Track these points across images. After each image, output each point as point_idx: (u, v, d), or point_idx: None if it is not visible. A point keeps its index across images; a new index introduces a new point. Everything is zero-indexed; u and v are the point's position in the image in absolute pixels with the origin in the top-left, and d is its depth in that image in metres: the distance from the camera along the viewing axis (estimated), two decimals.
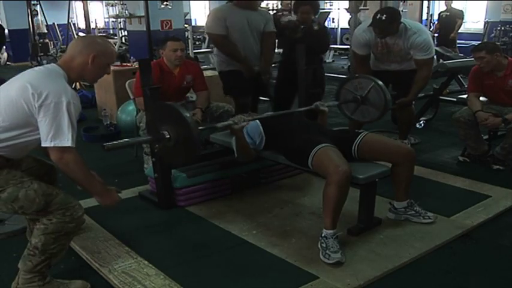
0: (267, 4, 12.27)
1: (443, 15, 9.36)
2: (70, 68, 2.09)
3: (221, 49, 3.85)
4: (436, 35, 9.80)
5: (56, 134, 1.92)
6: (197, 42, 12.39)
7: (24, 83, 1.95)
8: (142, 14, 7.53)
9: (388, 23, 3.62)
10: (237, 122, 2.67)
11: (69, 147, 1.95)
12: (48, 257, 2.08)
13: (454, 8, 9.40)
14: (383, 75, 3.78)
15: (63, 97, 1.92)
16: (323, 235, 2.42)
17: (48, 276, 2.16)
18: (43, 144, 1.95)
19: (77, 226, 2.12)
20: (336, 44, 13.35)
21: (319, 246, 2.42)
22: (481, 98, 3.86)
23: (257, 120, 2.93)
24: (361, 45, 3.93)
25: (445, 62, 5.80)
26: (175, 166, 3.03)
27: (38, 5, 9.73)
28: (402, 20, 3.74)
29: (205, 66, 7.91)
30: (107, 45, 2.23)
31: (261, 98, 4.32)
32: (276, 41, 4.16)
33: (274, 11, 6.42)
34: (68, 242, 2.16)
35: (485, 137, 3.97)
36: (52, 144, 1.93)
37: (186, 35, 8.08)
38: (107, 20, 15.37)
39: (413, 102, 4.15)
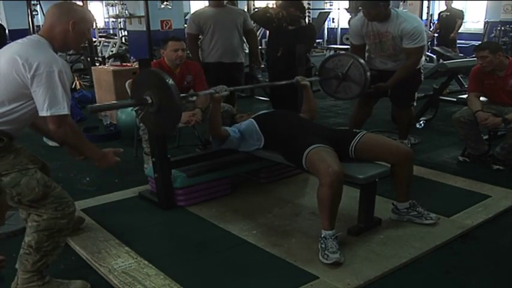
0: (267, 4, 12.25)
1: (444, 15, 9.36)
2: (52, 38, 2.05)
3: (188, 44, 4.45)
4: (436, 35, 9.81)
5: (52, 103, 1.91)
6: None
7: (12, 55, 1.93)
8: (142, 14, 7.55)
9: (373, 4, 3.62)
10: (218, 91, 2.76)
11: (65, 115, 1.96)
12: (43, 255, 2.08)
13: (454, 8, 9.40)
14: (380, 76, 3.78)
15: (54, 66, 1.91)
16: (322, 236, 2.42)
17: (48, 276, 2.16)
18: (40, 114, 1.94)
19: (68, 222, 2.11)
20: (336, 44, 13.37)
21: (319, 247, 2.42)
22: (481, 98, 3.86)
23: (253, 120, 2.94)
24: (354, 33, 3.94)
25: (445, 62, 5.80)
26: (160, 133, 2.95)
27: (38, 5, 9.73)
28: (395, 9, 3.75)
29: None
30: (84, 10, 2.20)
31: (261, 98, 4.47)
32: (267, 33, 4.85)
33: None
34: (61, 240, 2.14)
35: (485, 137, 3.97)
36: (49, 113, 1.92)
37: None
38: (107, 20, 15.37)
39: (414, 104, 4.14)
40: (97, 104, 2.41)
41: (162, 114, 2.37)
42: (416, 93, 4.11)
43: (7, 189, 1.98)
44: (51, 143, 4.41)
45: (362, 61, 3.39)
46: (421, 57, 3.84)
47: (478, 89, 3.81)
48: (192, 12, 5.30)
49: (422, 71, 4.02)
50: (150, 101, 2.35)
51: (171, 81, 2.31)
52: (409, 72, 3.79)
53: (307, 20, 4.63)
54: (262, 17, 4.52)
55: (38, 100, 1.92)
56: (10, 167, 1.98)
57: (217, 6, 4.49)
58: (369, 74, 3.35)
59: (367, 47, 4.00)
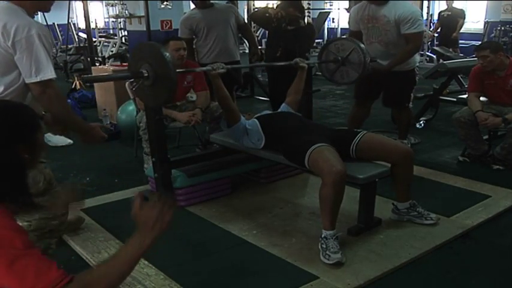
0: (267, 4, 12.26)
1: (444, 15, 9.30)
2: (22, 1, 1.98)
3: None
4: (436, 34, 9.79)
5: (39, 68, 1.88)
6: None
7: None
8: (142, 14, 7.55)
9: None
10: (215, 68, 2.82)
11: (51, 80, 1.92)
12: None
13: (455, 8, 9.34)
14: (376, 76, 3.74)
15: (32, 30, 1.87)
16: (323, 236, 2.42)
17: None
18: (28, 81, 1.91)
19: (60, 224, 2.09)
20: None
21: (320, 247, 2.42)
22: (481, 98, 3.86)
23: (256, 120, 2.94)
24: (352, 19, 3.95)
25: (445, 62, 5.80)
26: (154, 105, 2.89)
27: None
28: None
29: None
30: None
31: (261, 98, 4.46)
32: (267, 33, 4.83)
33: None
34: (53, 241, 2.13)
35: (485, 137, 3.97)
36: (38, 79, 1.89)
37: None
38: (107, 20, 15.34)
39: (411, 104, 4.12)
40: (92, 75, 2.36)
41: (157, 87, 2.38)
42: (411, 95, 4.06)
43: None
44: (51, 143, 4.42)
45: (363, 47, 3.35)
46: (421, 43, 3.83)
47: (478, 89, 3.81)
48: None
49: (417, 72, 4.00)
50: (146, 74, 2.36)
51: (167, 55, 2.32)
52: (408, 57, 3.75)
53: (306, 20, 4.60)
54: (262, 17, 4.52)
55: (24, 67, 1.88)
56: None
57: (205, 7, 4.45)
58: (368, 60, 3.31)
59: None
